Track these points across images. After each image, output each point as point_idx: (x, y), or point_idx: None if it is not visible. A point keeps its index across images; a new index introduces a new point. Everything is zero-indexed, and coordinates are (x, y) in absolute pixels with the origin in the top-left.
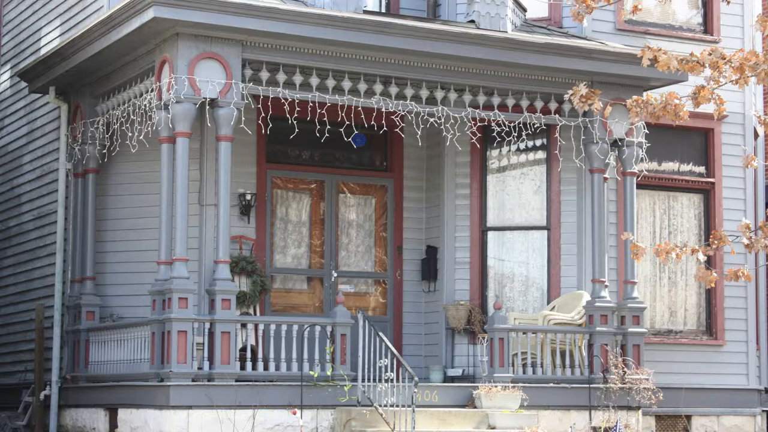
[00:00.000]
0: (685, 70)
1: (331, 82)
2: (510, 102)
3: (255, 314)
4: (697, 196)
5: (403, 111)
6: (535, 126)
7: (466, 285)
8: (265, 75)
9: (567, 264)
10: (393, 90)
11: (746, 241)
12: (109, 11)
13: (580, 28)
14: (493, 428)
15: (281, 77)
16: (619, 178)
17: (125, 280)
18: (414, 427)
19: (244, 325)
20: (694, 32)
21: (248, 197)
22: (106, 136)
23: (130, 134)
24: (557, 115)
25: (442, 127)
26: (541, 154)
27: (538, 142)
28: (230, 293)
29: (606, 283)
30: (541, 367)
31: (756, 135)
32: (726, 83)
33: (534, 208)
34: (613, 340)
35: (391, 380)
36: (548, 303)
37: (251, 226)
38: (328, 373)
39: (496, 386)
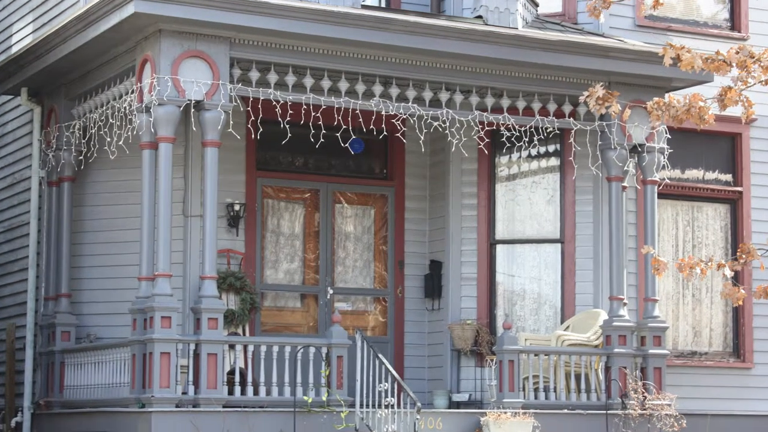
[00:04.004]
0: (710, 69)
1: (326, 83)
2: (520, 104)
3: (244, 334)
4: (724, 206)
5: (405, 114)
6: (548, 130)
7: (472, 303)
8: (255, 75)
9: (582, 280)
10: (394, 91)
11: None
12: (86, 6)
13: (597, 24)
14: None
15: (272, 77)
16: (638, 187)
17: (103, 298)
18: None
19: (232, 347)
20: (721, 29)
21: (237, 208)
22: (83, 141)
23: (108, 139)
24: (572, 119)
25: (447, 131)
26: (554, 161)
27: (551, 148)
28: (217, 312)
29: (625, 301)
30: (555, 391)
31: None
32: (755, 84)
33: (546, 219)
34: (632, 363)
35: (392, 406)
36: (562, 322)
37: (240, 239)
38: (324, 398)
39: (505, 413)
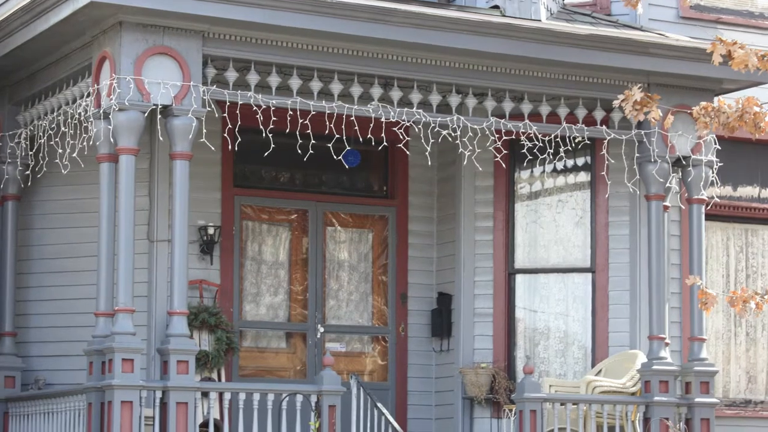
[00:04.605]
0: (767, 69)
1: (316, 85)
2: (544, 110)
3: (220, 380)
4: None
5: (408, 121)
6: (577, 140)
7: (488, 343)
8: (232, 75)
9: (617, 316)
10: (395, 94)
11: None
12: None
13: (634, 15)
14: None
15: (253, 78)
16: (683, 207)
17: (54, 337)
18: None
19: (205, 394)
20: None
21: (211, 231)
22: (30, 153)
23: (60, 151)
24: (604, 127)
25: (458, 141)
26: (583, 176)
27: (580, 161)
28: (188, 353)
29: (667, 341)
30: None
31: None
32: None
33: (575, 244)
34: (675, 413)
35: None
36: (593, 366)
37: (215, 267)
38: None
39: None
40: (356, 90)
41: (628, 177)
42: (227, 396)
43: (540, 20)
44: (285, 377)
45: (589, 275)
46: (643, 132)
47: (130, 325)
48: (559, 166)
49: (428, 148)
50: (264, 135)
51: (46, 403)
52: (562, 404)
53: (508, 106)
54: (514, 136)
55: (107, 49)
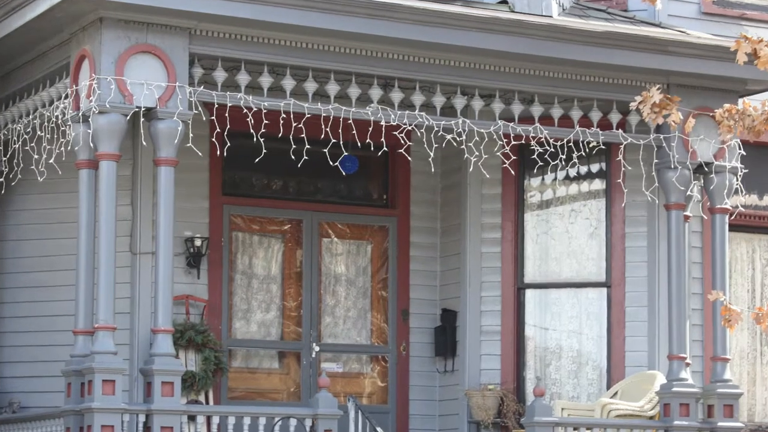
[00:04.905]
0: None
1: (311, 85)
2: (556, 112)
3: (207, 402)
4: None
5: (410, 125)
6: (591, 145)
7: (495, 363)
8: (221, 75)
9: (634, 334)
10: (396, 96)
11: None
12: None
13: (652, 11)
14: None
15: (243, 78)
16: (705, 217)
17: (29, 356)
18: None
19: (192, 418)
20: None
21: (198, 243)
22: (4, 159)
23: (36, 157)
24: (621, 131)
25: (464, 146)
26: (598, 184)
27: (595, 168)
28: (173, 374)
29: (688, 361)
30: None
31: None
32: None
33: (589, 257)
34: None
35: None
36: (608, 387)
37: (202, 282)
38: None
39: None
40: (354, 91)
41: (646, 185)
42: (215, 420)
43: (551, 16)
44: (277, 400)
45: (605, 290)
46: (662, 136)
47: (111, 344)
48: (572, 172)
49: (431, 154)
50: (255, 139)
51: (21, 428)
52: (575, 429)
53: (517, 108)
54: (523, 141)
55: (87, 47)
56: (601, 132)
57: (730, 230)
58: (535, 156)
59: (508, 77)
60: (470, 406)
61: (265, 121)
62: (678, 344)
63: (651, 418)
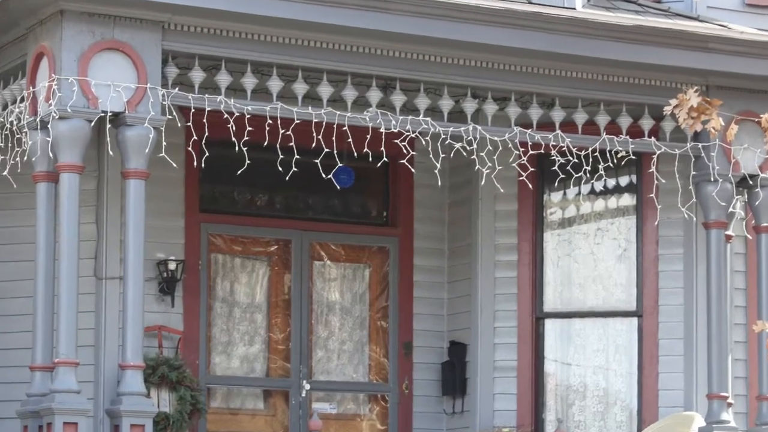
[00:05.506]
0: None
1: (301, 87)
2: (580, 118)
3: None
4: None
5: (414, 132)
6: (620, 155)
7: (511, 403)
8: (198, 76)
9: (668, 370)
10: (397, 99)
11: None
12: None
13: (690, 2)
14: None
15: (223, 79)
16: (749, 237)
17: None
18: None
19: None
20: None
21: (172, 267)
22: None
23: None
24: (653, 139)
25: (475, 156)
26: (628, 200)
27: (624, 181)
28: (144, 416)
29: (729, 401)
30: None
31: None
32: None
33: (617, 282)
34: None
35: None
36: (639, 430)
37: (176, 311)
38: None
39: None
40: (350, 94)
41: (682, 200)
42: None
43: (574, 8)
44: None
45: (635, 320)
46: (700, 145)
47: (74, 381)
48: (598, 186)
49: (438, 165)
50: (237, 148)
51: None
52: None
53: (535, 113)
54: (542, 150)
55: (45, 43)
56: (631, 140)
57: None
58: (555, 167)
59: (525, 78)
60: None
61: (249, 128)
62: (719, 382)
63: None
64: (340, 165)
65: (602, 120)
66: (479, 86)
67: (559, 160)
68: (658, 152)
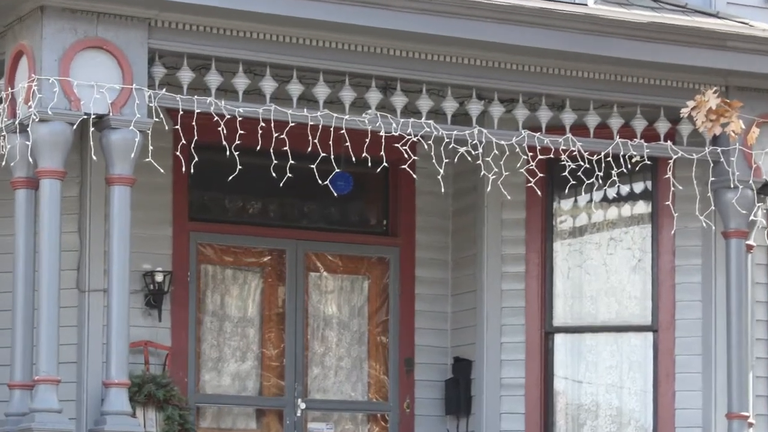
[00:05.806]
0: None
1: (295, 88)
2: (591, 120)
3: None
4: None
5: (415, 135)
6: (634, 160)
7: (518, 423)
8: (186, 76)
9: (686, 388)
10: (398, 100)
11: None
12: None
13: None
14: None
15: (214, 79)
16: None
17: None
18: None
19: None
20: None
21: (159, 278)
22: None
23: None
24: (670, 143)
25: (480, 161)
26: (642, 207)
27: (638, 188)
28: None
29: (751, 420)
30: None
31: None
32: None
33: (631, 295)
34: None
35: None
36: None
37: (164, 325)
38: None
39: None
40: (348, 95)
41: (700, 208)
42: None
43: (586, 4)
44: None
45: (650, 335)
46: (719, 149)
47: (55, 400)
48: (611, 193)
49: (441, 171)
50: (228, 153)
51: None
52: None
53: (544, 115)
54: (552, 155)
55: (25, 42)
56: (645, 144)
57: None
58: (566, 173)
59: (534, 78)
60: None
61: (241, 131)
62: (739, 400)
63: None
64: (338, 171)
65: (615, 123)
66: (485, 87)
67: (569, 166)
68: (674, 157)
